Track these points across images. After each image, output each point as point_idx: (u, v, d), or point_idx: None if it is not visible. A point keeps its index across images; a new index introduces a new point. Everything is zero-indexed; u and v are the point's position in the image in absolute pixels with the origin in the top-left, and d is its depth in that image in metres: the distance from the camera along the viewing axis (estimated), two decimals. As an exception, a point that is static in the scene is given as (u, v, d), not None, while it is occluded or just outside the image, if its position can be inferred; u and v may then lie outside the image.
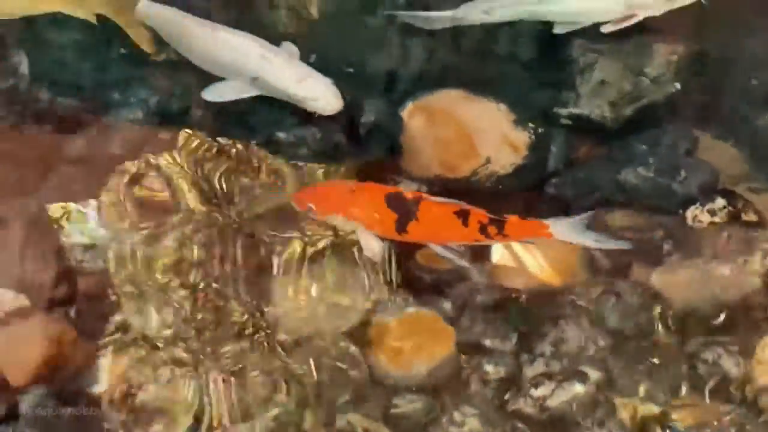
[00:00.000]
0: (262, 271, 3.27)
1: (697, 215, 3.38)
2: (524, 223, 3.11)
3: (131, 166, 3.45)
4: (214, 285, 3.23)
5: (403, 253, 3.28)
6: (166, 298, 3.19)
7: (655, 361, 3.10)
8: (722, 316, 3.21)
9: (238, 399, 2.98)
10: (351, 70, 3.73)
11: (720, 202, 3.40)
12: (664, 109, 3.67)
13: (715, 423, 2.96)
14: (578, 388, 2.99)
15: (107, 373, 3.05)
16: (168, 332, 3.13)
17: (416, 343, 3.07)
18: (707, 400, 3.03)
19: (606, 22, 3.80)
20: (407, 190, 3.25)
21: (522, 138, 3.55)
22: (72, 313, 3.18)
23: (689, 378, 3.06)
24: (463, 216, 3.08)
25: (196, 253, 3.29)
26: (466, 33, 3.95)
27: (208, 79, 3.64)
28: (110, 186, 3.42)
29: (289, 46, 3.73)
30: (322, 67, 3.60)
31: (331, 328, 3.14)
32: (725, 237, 3.36)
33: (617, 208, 3.47)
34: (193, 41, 3.64)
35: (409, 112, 3.63)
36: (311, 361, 3.04)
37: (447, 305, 3.20)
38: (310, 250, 3.30)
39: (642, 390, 3.02)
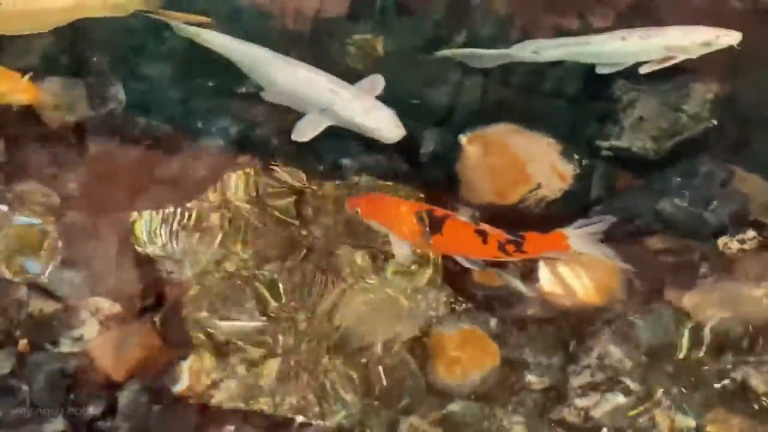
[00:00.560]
0: (330, 284, 3.26)
1: (728, 243, 3.34)
2: (543, 238, 3.15)
3: (212, 193, 3.45)
4: (285, 294, 3.23)
5: (460, 272, 3.26)
6: (240, 307, 3.19)
7: (688, 376, 3.05)
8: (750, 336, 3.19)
9: (309, 399, 2.98)
10: (413, 102, 3.73)
11: (750, 233, 3.36)
12: (701, 143, 3.64)
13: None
14: (620, 399, 2.96)
15: (188, 374, 3.05)
16: (242, 338, 3.12)
17: (471, 354, 3.06)
18: (737, 415, 2.98)
19: (646, 63, 3.80)
20: (443, 209, 3.28)
21: (569, 168, 3.54)
22: (158, 318, 3.17)
23: (720, 393, 3.01)
24: (483, 235, 3.14)
25: (270, 266, 3.29)
26: (516, 71, 3.95)
27: (284, 110, 3.69)
28: (194, 206, 3.43)
29: (375, 78, 3.73)
30: (386, 99, 3.61)
31: (392, 338, 3.12)
32: (754, 262, 3.32)
33: (655, 233, 3.43)
34: (273, 76, 3.67)
35: (465, 142, 3.61)
36: (380, 368, 3.03)
37: (494, 321, 3.17)
38: (375, 267, 3.29)
39: (678, 403, 2.99)
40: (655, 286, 3.28)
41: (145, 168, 3.60)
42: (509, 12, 4.34)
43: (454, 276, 3.28)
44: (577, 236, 3.14)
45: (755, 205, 3.45)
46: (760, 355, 3.10)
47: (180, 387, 3.01)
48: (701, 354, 3.09)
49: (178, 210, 3.40)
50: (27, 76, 3.59)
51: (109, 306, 3.18)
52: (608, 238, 3.31)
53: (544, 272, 3.25)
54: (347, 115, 3.52)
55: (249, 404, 2.99)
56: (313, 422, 2.96)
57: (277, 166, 3.54)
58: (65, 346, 3.08)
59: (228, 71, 3.83)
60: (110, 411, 2.95)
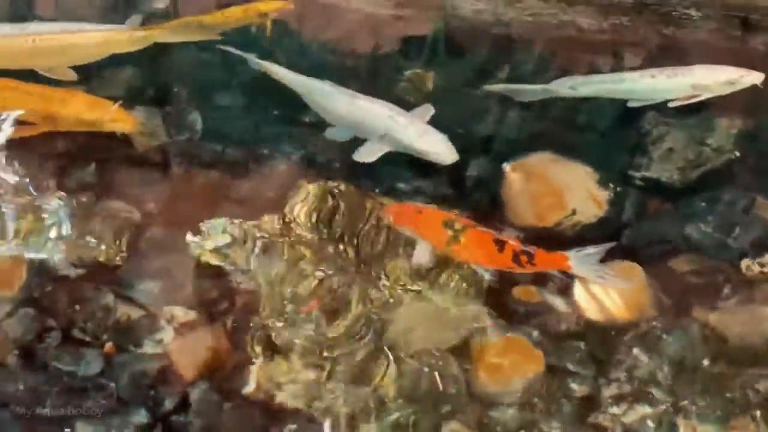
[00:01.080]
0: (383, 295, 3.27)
1: (750, 265, 3.34)
2: (549, 255, 3.15)
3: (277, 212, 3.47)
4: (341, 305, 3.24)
5: (502, 287, 3.27)
6: (303, 316, 3.20)
7: (712, 387, 3.04)
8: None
9: (363, 403, 2.99)
10: (459, 131, 3.72)
11: (768, 257, 3.35)
12: (724, 173, 3.65)
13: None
14: (647, 409, 2.95)
15: (255, 375, 3.05)
16: (305, 344, 3.13)
17: (512, 361, 3.05)
18: (757, 425, 2.97)
19: (673, 99, 3.81)
20: (467, 219, 3.33)
21: (604, 194, 3.54)
22: (229, 324, 3.19)
23: (741, 404, 2.99)
24: (500, 245, 3.15)
25: (330, 279, 3.30)
26: (554, 105, 3.97)
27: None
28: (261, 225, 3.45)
29: (426, 107, 3.76)
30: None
31: (438, 345, 3.12)
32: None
33: (682, 255, 3.43)
34: (335, 106, 3.71)
35: (508, 170, 3.63)
36: (436, 374, 3.02)
37: (535, 332, 3.16)
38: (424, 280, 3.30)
39: (701, 412, 2.97)
40: (682, 304, 3.26)
41: (219, 188, 3.64)
42: (548, 51, 4.36)
43: (496, 291, 3.28)
44: (577, 259, 3.12)
45: (776, 231, 3.42)
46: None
47: (248, 388, 3.02)
48: (724, 367, 3.07)
49: (247, 226, 3.40)
50: (117, 104, 3.66)
51: (184, 313, 3.20)
52: (638, 259, 3.34)
53: (579, 290, 3.24)
54: (405, 140, 3.54)
55: (309, 405, 2.99)
56: (366, 423, 2.95)
57: (336, 188, 3.54)
58: (147, 348, 3.10)
59: (293, 102, 3.86)
60: (183, 407, 2.96)
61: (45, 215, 3.36)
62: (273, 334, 3.15)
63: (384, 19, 4.58)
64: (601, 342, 3.14)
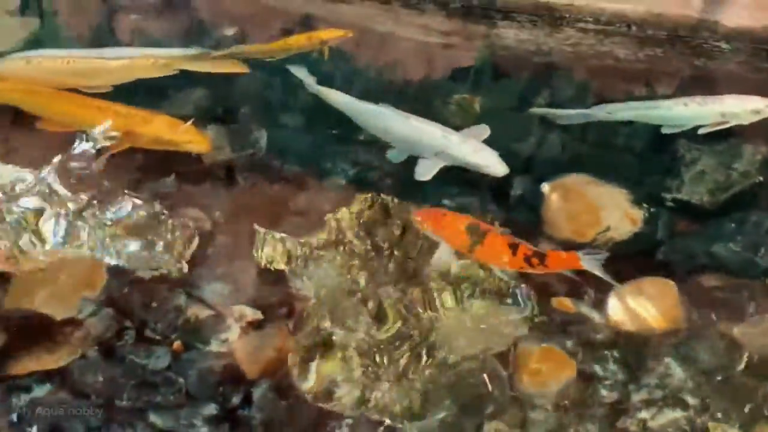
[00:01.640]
0: (431, 304, 3.26)
1: (775, 283, 3.32)
2: (561, 257, 3.22)
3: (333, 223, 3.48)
4: (393, 311, 3.23)
5: (541, 298, 3.25)
6: (356, 321, 3.20)
7: (738, 395, 3.01)
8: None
9: (413, 402, 2.98)
10: (503, 151, 3.69)
11: (793, 275, 3.29)
12: (750, 197, 3.62)
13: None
14: (676, 414, 2.92)
15: (314, 374, 3.06)
16: (358, 347, 3.12)
17: (549, 368, 3.04)
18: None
19: (704, 126, 3.80)
20: (487, 224, 3.36)
21: (638, 214, 3.52)
22: (291, 326, 3.20)
23: (765, 414, 2.96)
24: (514, 248, 3.20)
25: (381, 288, 3.30)
26: (591, 128, 3.97)
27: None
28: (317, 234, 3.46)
29: (481, 127, 3.78)
30: (481, 149, 3.64)
31: (484, 351, 3.11)
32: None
33: (710, 272, 3.40)
34: (391, 127, 3.74)
35: (547, 189, 3.63)
36: (485, 376, 3.02)
37: (570, 341, 3.14)
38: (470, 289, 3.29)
39: (728, 417, 2.94)
40: (710, 317, 3.22)
41: (280, 200, 3.67)
42: (586, 78, 4.36)
43: (536, 302, 3.25)
44: (587, 259, 3.19)
45: (799, 250, 3.38)
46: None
47: (307, 385, 3.02)
48: (750, 377, 3.05)
49: (304, 237, 3.42)
50: (189, 123, 3.71)
51: (249, 314, 3.20)
52: (670, 275, 3.32)
53: (614, 302, 3.22)
54: (460, 156, 3.58)
55: (363, 403, 2.99)
56: (414, 421, 2.94)
57: (386, 202, 3.55)
58: (214, 346, 3.12)
59: (349, 122, 3.90)
60: (247, 401, 2.97)
61: (122, 223, 3.38)
62: (328, 337, 3.15)
63: (434, 48, 4.61)
64: (633, 351, 3.11)
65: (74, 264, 3.29)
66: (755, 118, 3.74)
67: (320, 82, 4.00)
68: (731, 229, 3.48)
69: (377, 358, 3.10)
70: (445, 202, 3.58)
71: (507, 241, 3.25)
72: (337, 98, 3.89)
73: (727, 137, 3.77)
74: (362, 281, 3.31)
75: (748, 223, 3.49)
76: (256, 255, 3.37)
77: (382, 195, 3.58)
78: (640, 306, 3.20)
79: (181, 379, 2.98)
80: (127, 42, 4.45)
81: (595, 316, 3.22)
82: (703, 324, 3.20)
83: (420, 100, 4.03)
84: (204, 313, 3.20)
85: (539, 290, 3.26)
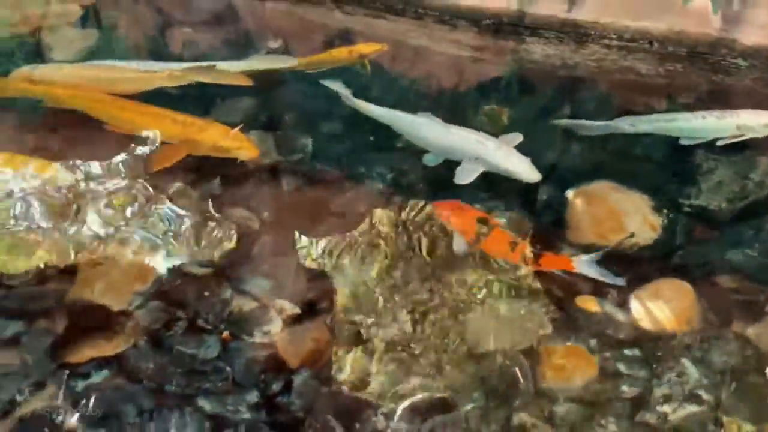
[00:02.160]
0: (462, 302, 3.24)
1: (788, 286, 3.28)
2: (556, 258, 3.24)
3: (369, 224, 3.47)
4: (426, 308, 3.21)
5: (565, 298, 3.24)
6: (390, 316, 3.18)
7: (752, 392, 2.97)
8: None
9: (441, 393, 2.95)
10: (530, 159, 3.70)
11: (807, 280, 3.27)
12: (766, 205, 3.59)
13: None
14: (694, 408, 2.89)
15: (350, 365, 3.04)
16: (392, 340, 3.10)
17: (572, 364, 3.02)
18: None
19: (721, 138, 3.77)
20: (494, 219, 3.38)
21: (658, 220, 3.50)
22: (328, 319, 3.18)
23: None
24: (513, 245, 3.23)
25: (412, 285, 3.28)
26: (614, 138, 3.95)
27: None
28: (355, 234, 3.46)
29: (515, 134, 3.78)
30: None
31: (511, 346, 3.09)
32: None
33: (726, 276, 3.37)
34: (430, 135, 3.73)
35: (571, 196, 3.61)
36: (517, 369, 2.99)
37: (593, 339, 3.12)
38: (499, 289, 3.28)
39: (742, 413, 2.90)
40: (726, 318, 3.20)
41: (321, 202, 3.67)
42: (609, 92, 4.35)
43: (560, 301, 3.24)
44: (579, 261, 3.20)
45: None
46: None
47: (343, 376, 3.00)
48: (763, 374, 3.01)
49: (343, 236, 3.42)
50: (237, 129, 3.73)
51: (290, 308, 3.20)
52: (688, 278, 3.29)
53: (635, 303, 3.19)
54: (494, 161, 3.58)
55: (396, 394, 2.96)
56: (444, 412, 2.91)
57: (420, 205, 3.53)
58: (257, 338, 3.11)
59: (386, 130, 3.91)
60: (287, 389, 2.96)
61: (174, 222, 3.40)
62: (364, 330, 3.13)
63: (465, 61, 4.62)
64: (653, 349, 3.08)
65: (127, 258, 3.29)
66: (770, 132, 3.70)
67: (358, 93, 3.99)
68: (747, 235, 3.46)
69: (409, 352, 3.07)
70: (476, 205, 3.55)
71: (509, 239, 3.28)
72: (375, 110, 3.89)
73: (743, 149, 3.76)
74: (396, 278, 3.29)
75: (764, 230, 3.47)
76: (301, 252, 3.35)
77: (416, 198, 3.56)
78: (659, 307, 3.17)
79: (228, 368, 2.97)
80: (178, 53, 4.48)
81: (619, 315, 3.19)
82: (719, 325, 3.17)
83: (451, 110, 4.03)
84: (248, 306, 3.19)
85: (564, 290, 3.23)
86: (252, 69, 4.11)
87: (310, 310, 3.21)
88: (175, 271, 3.26)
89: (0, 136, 3.79)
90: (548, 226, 3.54)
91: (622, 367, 3.02)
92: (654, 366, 3.03)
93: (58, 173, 3.46)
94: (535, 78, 4.44)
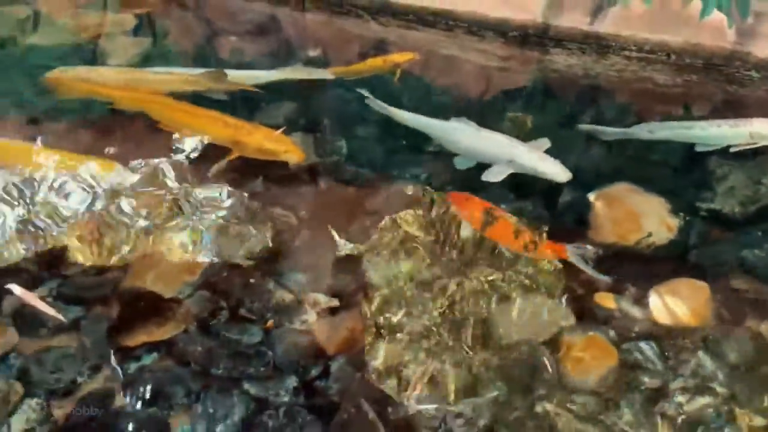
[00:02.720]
0: (487, 297, 3.23)
1: (798, 286, 3.24)
2: (550, 247, 3.24)
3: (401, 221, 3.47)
4: (454, 301, 3.21)
5: (585, 294, 3.23)
6: (421, 308, 3.17)
7: (763, 387, 2.93)
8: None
9: (467, 381, 2.96)
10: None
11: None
12: (777, 209, 3.52)
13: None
14: (708, 400, 2.87)
15: (383, 353, 3.04)
16: (422, 331, 3.09)
17: (592, 356, 3.00)
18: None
19: (734, 145, 3.74)
20: (500, 210, 3.38)
21: (675, 222, 3.48)
22: (363, 310, 3.17)
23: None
24: (517, 233, 3.26)
25: (442, 280, 3.27)
26: (633, 144, 3.93)
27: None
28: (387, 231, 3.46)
29: (543, 140, 3.78)
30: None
31: (534, 338, 3.07)
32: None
33: (739, 275, 3.34)
34: (463, 139, 3.73)
35: (593, 197, 3.60)
36: (545, 359, 2.98)
37: (613, 332, 3.10)
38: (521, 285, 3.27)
39: (753, 405, 2.88)
40: (738, 316, 3.17)
41: (356, 201, 3.68)
42: (628, 100, 4.33)
43: (581, 297, 3.22)
44: (571, 251, 3.22)
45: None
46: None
47: (376, 363, 3.00)
48: (771, 370, 2.97)
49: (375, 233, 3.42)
50: (280, 131, 3.75)
51: (326, 300, 3.21)
52: (703, 277, 3.27)
53: (653, 299, 3.17)
54: (526, 164, 3.57)
55: (425, 380, 2.96)
56: (470, 398, 2.91)
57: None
58: (297, 326, 3.12)
59: (418, 134, 3.91)
60: (325, 374, 2.97)
61: (217, 218, 3.42)
62: (395, 321, 3.13)
63: (492, 70, 4.61)
64: (669, 344, 3.05)
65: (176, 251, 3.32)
66: (781, 140, 3.67)
67: (390, 99, 4.00)
68: (760, 237, 3.43)
69: (438, 341, 3.07)
70: (503, 206, 3.53)
71: (513, 228, 3.30)
72: (408, 117, 3.89)
73: (755, 156, 3.72)
74: (426, 273, 3.29)
75: (775, 232, 3.39)
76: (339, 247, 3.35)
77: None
78: (675, 304, 3.16)
79: (270, 353, 2.98)
80: (225, 60, 4.51)
81: (635, 311, 3.17)
82: (733, 322, 3.15)
83: (478, 116, 4.00)
84: (288, 297, 3.20)
85: (584, 286, 3.21)
86: (288, 79, 4.11)
87: (345, 302, 3.22)
88: (220, 264, 3.26)
89: (60, 136, 3.82)
90: (571, 225, 3.52)
91: (640, 359, 3.00)
92: (670, 359, 3.01)
93: (116, 172, 3.49)
94: (558, 86, 4.43)
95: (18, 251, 3.23)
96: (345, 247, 3.37)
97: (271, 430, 2.75)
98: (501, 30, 4.72)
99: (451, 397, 2.90)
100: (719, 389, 2.90)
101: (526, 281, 3.25)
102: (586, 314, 3.17)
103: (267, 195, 3.59)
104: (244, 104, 4.02)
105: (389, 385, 2.93)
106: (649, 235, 3.41)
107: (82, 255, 3.25)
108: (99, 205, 3.38)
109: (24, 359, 2.90)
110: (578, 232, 3.47)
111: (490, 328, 3.11)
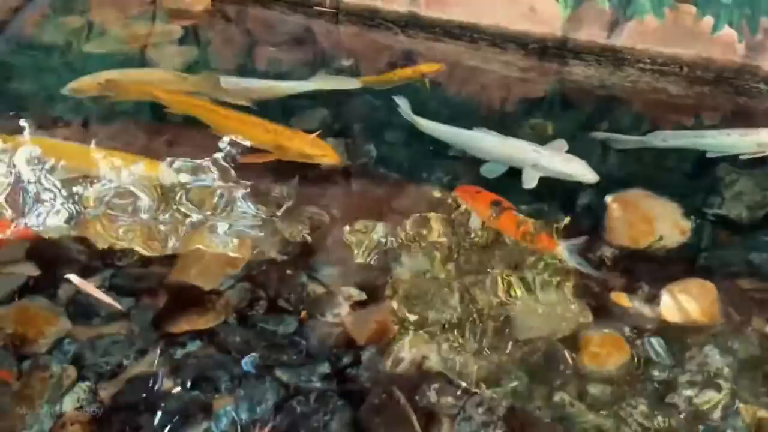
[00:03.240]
0: (508, 292, 3.24)
1: (802, 287, 3.22)
2: (545, 240, 3.29)
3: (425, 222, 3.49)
4: (476, 296, 3.22)
5: (600, 293, 3.22)
6: (444, 303, 3.19)
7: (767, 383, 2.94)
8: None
9: (492, 372, 2.97)
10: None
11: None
12: (782, 215, 3.50)
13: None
14: (714, 394, 2.87)
15: (408, 345, 3.05)
16: (446, 324, 3.11)
17: (608, 350, 3.01)
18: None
19: (743, 154, 3.72)
20: (507, 203, 3.42)
21: (687, 225, 3.47)
22: (390, 304, 3.18)
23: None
24: (518, 224, 3.33)
25: (466, 277, 3.29)
26: (647, 152, 3.91)
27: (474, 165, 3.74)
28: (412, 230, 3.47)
29: (561, 141, 3.75)
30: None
31: (551, 334, 3.09)
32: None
33: (746, 277, 3.33)
34: (488, 147, 3.74)
35: (609, 201, 3.58)
36: (566, 352, 2.99)
37: (627, 328, 3.11)
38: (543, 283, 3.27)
39: (758, 400, 2.88)
40: (745, 315, 3.16)
41: (384, 202, 3.67)
42: (642, 110, 4.31)
43: (597, 295, 3.23)
44: (563, 246, 3.26)
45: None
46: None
47: (403, 353, 3.02)
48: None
49: (402, 232, 3.44)
50: (316, 134, 3.77)
51: (356, 294, 3.22)
52: (711, 278, 3.25)
53: (665, 298, 3.17)
54: (553, 167, 3.55)
55: (449, 362, 2.98)
56: (492, 387, 2.92)
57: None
58: (329, 318, 3.13)
59: (442, 140, 3.91)
60: (356, 363, 2.99)
61: (255, 216, 3.46)
62: (420, 315, 3.15)
63: (513, 80, 4.61)
64: (679, 340, 3.06)
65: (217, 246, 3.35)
66: (788, 149, 3.64)
67: (417, 107, 4.00)
68: (766, 241, 3.42)
69: (460, 334, 3.09)
70: (522, 207, 3.53)
71: (516, 220, 3.34)
72: (436, 128, 3.88)
73: (763, 163, 3.69)
74: (450, 270, 3.30)
75: (782, 236, 3.37)
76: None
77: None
78: (686, 302, 3.15)
79: (303, 342, 3.01)
80: (263, 69, 4.55)
81: (647, 309, 3.16)
82: (740, 321, 3.14)
83: (500, 124, 3.99)
84: (321, 290, 3.22)
85: (600, 285, 3.22)
86: (318, 89, 4.13)
87: (374, 295, 3.22)
88: (258, 259, 3.30)
89: (112, 137, 3.88)
90: (588, 227, 3.50)
91: (651, 354, 3.01)
92: (680, 355, 3.01)
93: (163, 171, 3.53)
94: (575, 96, 4.42)
95: (70, 244, 3.27)
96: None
97: (303, 414, 2.77)
98: (522, 42, 4.71)
99: (472, 386, 2.91)
100: (725, 384, 2.90)
101: (546, 280, 3.26)
102: (601, 312, 3.16)
103: (302, 194, 3.60)
104: (281, 110, 4.05)
105: (414, 374, 2.94)
106: (662, 237, 3.40)
107: (132, 247, 3.28)
108: (146, 203, 3.42)
109: (78, 345, 2.94)
110: (595, 234, 3.46)
111: (511, 323, 3.12)
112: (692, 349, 3.02)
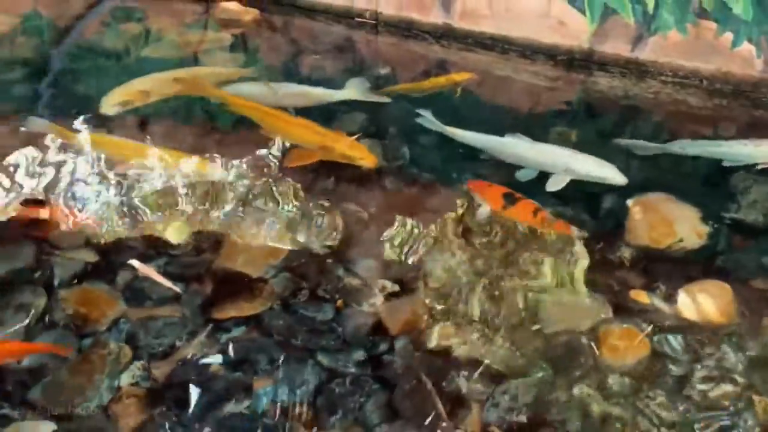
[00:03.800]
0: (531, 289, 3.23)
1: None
2: (562, 225, 3.30)
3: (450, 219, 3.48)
4: (499, 291, 3.21)
5: (620, 290, 3.21)
6: (470, 297, 3.18)
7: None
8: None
9: (519, 362, 2.95)
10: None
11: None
12: (796, 220, 3.46)
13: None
14: (729, 388, 2.85)
15: (437, 335, 3.04)
16: (474, 317, 3.11)
17: (627, 344, 2.99)
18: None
19: (759, 163, 3.69)
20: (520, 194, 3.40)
21: (704, 229, 3.44)
22: (422, 296, 3.18)
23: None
24: (535, 212, 3.31)
25: (490, 273, 3.27)
26: (667, 159, 3.89)
27: (504, 169, 3.73)
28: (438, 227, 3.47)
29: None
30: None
31: (575, 327, 3.07)
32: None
33: (761, 278, 3.29)
34: (522, 152, 3.73)
35: (631, 204, 3.57)
36: (592, 343, 2.97)
37: (645, 325, 3.07)
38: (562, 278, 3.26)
39: (770, 393, 2.85)
40: (758, 313, 3.13)
41: (417, 201, 3.69)
42: (663, 119, 4.29)
43: (616, 292, 3.21)
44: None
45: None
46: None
47: (434, 342, 3.01)
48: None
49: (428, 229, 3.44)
50: (355, 137, 3.79)
51: (390, 285, 3.22)
52: (727, 279, 3.22)
53: (682, 297, 3.15)
54: (584, 171, 3.54)
55: (477, 351, 2.98)
56: (517, 378, 2.90)
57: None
58: (364, 308, 3.14)
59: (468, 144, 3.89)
60: (390, 350, 2.99)
61: (295, 211, 3.48)
62: (450, 307, 3.14)
63: (541, 89, 4.61)
64: (696, 337, 3.03)
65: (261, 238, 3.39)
66: (802, 158, 3.60)
67: (450, 115, 4.00)
68: (780, 245, 3.34)
69: (488, 326, 3.07)
70: (547, 209, 3.49)
71: (533, 208, 3.33)
72: (466, 135, 3.88)
73: (777, 171, 3.65)
74: (478, 265, 3.30)
75: (795, 241, 3.34)
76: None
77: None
78: (702, 302, 3.12)
79: (340, 329, 3.02)
80: (306, 75, 4.59)
81: (665, 307, 3.14)
82: (754, 319, 3.11)
83: (528, 130, 3.98)
84: (357, 281, 3.23)
85: (620, 284, 3.20)
86: (347, 99, 4.14)
87: (407, 288, 3.22)
88: (299, 251, 3.31)
89: (165, 136, 3.93)
90: (610, 229, 3.49)
91: (669, 350, 2.98)
92: (696, 350, 2.99)
93: (212, 168, 3.58)
94: (600, 106, 4.41)
95: (124, 232, 3.32)
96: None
97: (340, 396, 2.79)
98: (551, 54, 4.71)
99: (500, 375, 2.89)
100: (739, 379, 2.87)
101: (570, 275, 3.25)
102: (621, 308, 3.14)
103: (341, 192, 3.63)
104: (324, 115, 4.08)
105: (444, 362, 2.93)
106: (681, 240, 3.38)
107: (179, 236, 3.31)
108: (198, 196, 3.47)
109: (132, 325, 2.98)
110: (616, 235, 3.44)
111: (536, 317, 3.10)
112: (709, 346, 2.99)
